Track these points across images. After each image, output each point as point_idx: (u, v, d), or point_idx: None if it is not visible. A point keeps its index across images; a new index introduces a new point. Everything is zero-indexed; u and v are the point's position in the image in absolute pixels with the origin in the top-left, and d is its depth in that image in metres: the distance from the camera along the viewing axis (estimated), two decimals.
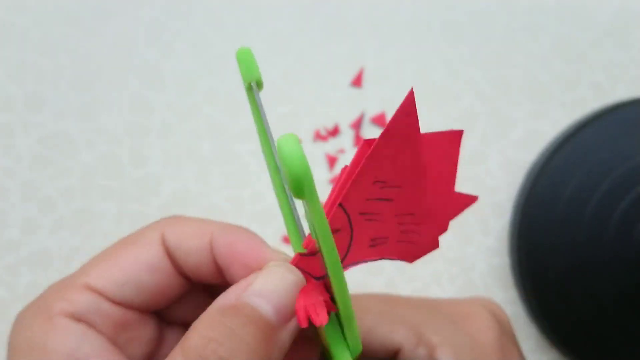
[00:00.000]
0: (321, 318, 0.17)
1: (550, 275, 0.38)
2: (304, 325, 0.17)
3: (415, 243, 0.18)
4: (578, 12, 0.42)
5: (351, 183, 0.17)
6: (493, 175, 0.41)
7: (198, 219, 0.23)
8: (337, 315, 0.19)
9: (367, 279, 0.40)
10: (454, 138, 0.17)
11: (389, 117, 0.41)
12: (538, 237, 0.38)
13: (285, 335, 0.19)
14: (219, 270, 0.22)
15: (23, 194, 0.40)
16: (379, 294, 0.27)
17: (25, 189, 0.40)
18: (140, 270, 0.22)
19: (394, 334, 0.24)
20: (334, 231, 0.17)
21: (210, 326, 0.18)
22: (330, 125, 0.41)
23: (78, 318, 0.21)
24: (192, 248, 0.22)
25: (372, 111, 0.41)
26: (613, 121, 0.39)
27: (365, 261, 0.18)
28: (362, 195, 0.17)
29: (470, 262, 0.40)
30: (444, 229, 0.19)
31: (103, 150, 0.40)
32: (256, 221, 0.40)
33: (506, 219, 0.40)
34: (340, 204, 0.17)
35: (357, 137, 0.40)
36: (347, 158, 0.40)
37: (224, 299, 0.19)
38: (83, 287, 0.21)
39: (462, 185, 0.41)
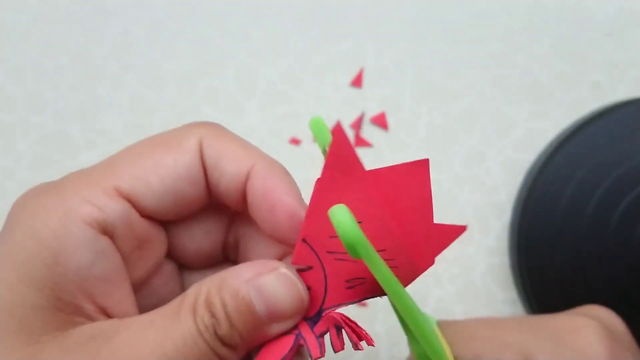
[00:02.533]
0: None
1: (550, 275, 0.38)
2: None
3: (398, 277, 0.18)
4: (578, 12, 0.42)
5: (305, 218, 0.17)
6: (493, 175, 0.41)
7: (239, 139, 0.21)
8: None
9: None
10: (420, 169, 0.17)
11: (389, 117, 0.41)
12: (538, 237, 0.38)
13: (272, 329, 0.18)
14: (244, 200, 0.20)
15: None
16: (484, 318, 0.27)
17: (25, 189, 0.40)
18: (180, 179, 0.20)
19: (503, 359, 0.24)
20: (306, 269, 0.18)
21: (210, 292, 0.18)
22: (330, 126, 0.41)
23: (104, 229, 0.18)
24: (229, 172, 0.20)
25: (372, 111, 0.41)
26: (613, 121, 0.39)
27: (347, 304, 0.18)
28: (322, 232, 0.17)
29: (471, 262, 0.40)
30: (429, 263, 0.18)
31: (103, 150, 0.40)
32: None
33: (506, 219, 0.40)
34: (303, 239, 0.17)
35: (357, 137, 0.40)
36: None
37: (233, 276, 0.18)
38: (114, 191, 0.19)
39: (462, 185, 0.41)
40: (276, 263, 0.18)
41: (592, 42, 0.42)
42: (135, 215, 0.19)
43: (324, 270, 0.18)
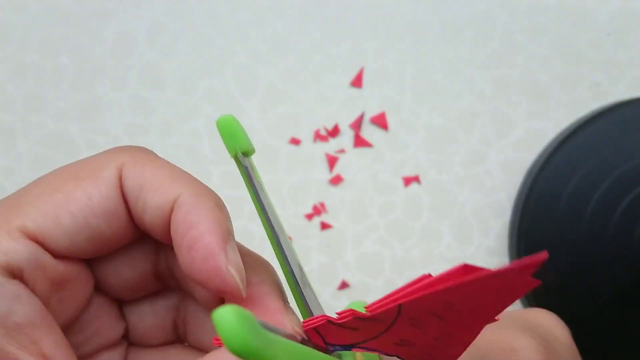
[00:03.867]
0: None
1: (550, 275, 0.38)
2: None
3: (433, 357, 0.17)
4: (578, 12, 0.42)
5: (425, 295, 0.15)
6: (493, 175, 0.41)
7: (167, 166, 0.19)
8: None
9: (366, 280, 0.40)
10: (525, 284, 0.16)
11: (388, 117, 0.41)
12: (538, 237, 0.38)
13: None
14: (168, 233, 0.18)
15: None
16: None
17: None
18: (94, 215, 0.17)
19: None
20: (373, 319, 0.16)
21: None
22: (330, 125, 0.41)
23: (12, 273, 0.16)
24: (152, 205, 0.18)
25: (372, 111, 0.41)
26: (613, 121, 0.39)
27: (380, 352, 0.17)
28: (425, 307, 0.16)
29: (471, 262, 0.40)
30: (464, 348, 0.17)
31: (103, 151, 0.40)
32: (255, 221, 0.40)
33: (506, 219, 0.40)
34: (399, 305, 0.16)
35: (357, 137, 0.40)
36: (347, 158, 0.40)
37: None
38: (20, 232, 0.17)
39: (462, 185, 0.41)
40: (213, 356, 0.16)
41: (592, 42, 0.42)
42: (46, 257, 0.17)
43: (390, 327, 0.16)
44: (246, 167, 0.19)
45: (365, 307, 0.16)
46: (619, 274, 0.37)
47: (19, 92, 0.41)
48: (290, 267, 0.17)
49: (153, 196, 0.18)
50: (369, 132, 0.41)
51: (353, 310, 0.16)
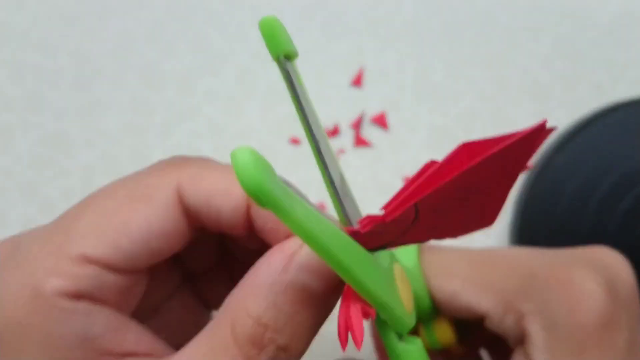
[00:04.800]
0: (358, 335, 0.15)
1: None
2: (344, 347, 0.16)
3: (472, 223, 0.16)
4: (578, 12, 0.42)
5: (436, 189, 0.15)
6: None
7: (222, 167, 0.19)
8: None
9: None
10: (540, 134, 0.14)
11: (389, 117, 0.41)
12: (538, 238, 0.38)
13: (335, 299, 0.17)
14: (251, 226, 0.19)
15: (23, 194, 0.40)
16: (469, 250, 0.24)
17: (25, 189, 0.40)
18: (154, 237, 0.18)
19: (481, 301, 0.22)
20: (392, 221, 0.16)
21: (260, 307, 0.16)
22: (330, 125, 0.41)
23: (79, 296, 0.17)
24: (227, 208, 0.19)
25: (372, 111, 0.41)
26: (613, 121, 0.39)
27: (415, 242, 0.17)
28: (441, 197, 0.15)
29: None
30: (502, 203, 0.16)
31: (103, 150, 0.40)
32: None
33: (506, 219, 0.40)
34: (415, 204, 0.15)
35: (357, 137, 0.40)
36: (347, 158, 0.40)
37: (269, 272, 0.17)
38: (81, 258, 0.17)
39: None
40: (294, 240, 0.17)
41: (592, 42, 0.42)
42: (109, 275, 0.18)
43: (413, 222, 0.16)
44: (288, 72, 0.18)
45: (381, 208, 0.16)
46: None
47: (19, 92, 0.41)
48: (331, 175, 0.16)
49: (228, 200, 0.18)
50: (369, 132, 0.41)
51: (370, 216, 0.16)
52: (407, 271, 0.23)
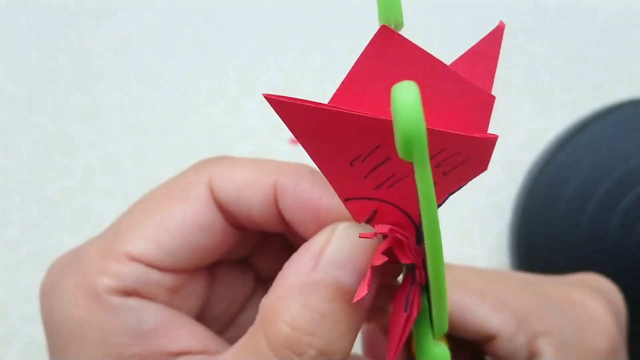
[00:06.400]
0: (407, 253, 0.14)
1: (550, 274, 0.38)
2: (376, 262, 0.15)
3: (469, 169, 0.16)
4: (578, 12, 0.42)
5: (328, 180, 0.15)
6: (493, 175, 0.41)
7: (251, 161, 0.20)
8: (426, 289, 0.17)
9: None
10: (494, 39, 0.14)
11: None
12: (538, 237, 0.38)
13: (370, 297, 0.17)
14: (283, 220, 0.19)
15: (23, 194, 0.40)
16: (480, 268, 0.24)
17: (25, 189, 0.40)
18: (191, 231, 0.19)
19: (493, 319, 0.21)
20: (373, 217, 0.15)
21: (292, 310, 0.16)
22: None
23: (128, 293, 0.18)
24: (256, 202, 0.19)
25: None
26: (613, 121, 0.39)
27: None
28: (353, 178, 0.15)
29: (470, 262, 0.40)
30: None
31: (103, 150, 0.40)
32: None
33: (506, 219, 0.40)
34: (346, 199, 0.15)
35: None
36: None
37: (298, 272, 0.16)
38: (126, 256, 0.18)
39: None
40: (322, 234, 0.17)
41: (592, 42, 0.42)
42: (154, 273, 0.19)
43: (386, 201, 0.15)
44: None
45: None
46: (619, 274, 0.37)
47: (19, 92, 0.41)
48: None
49: (257, 191, 0.19)
50: None
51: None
52: None
